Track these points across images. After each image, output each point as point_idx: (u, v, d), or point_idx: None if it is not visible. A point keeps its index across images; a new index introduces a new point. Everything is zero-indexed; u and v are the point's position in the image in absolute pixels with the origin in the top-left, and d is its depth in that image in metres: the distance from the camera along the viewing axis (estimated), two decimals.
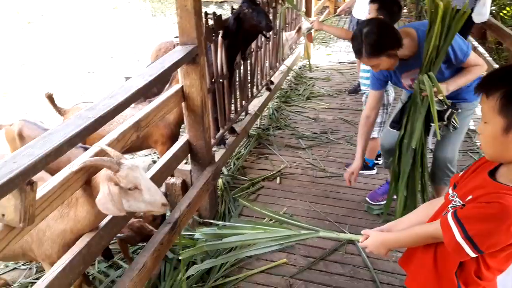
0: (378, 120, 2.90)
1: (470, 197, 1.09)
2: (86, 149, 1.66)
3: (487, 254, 1.09)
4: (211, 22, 2.55)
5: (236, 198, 2.72)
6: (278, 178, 2.99)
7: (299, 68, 5.38)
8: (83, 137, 1.31)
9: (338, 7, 5.93)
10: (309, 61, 4.87)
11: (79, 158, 1.44)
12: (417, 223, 1.29)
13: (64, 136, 1.22)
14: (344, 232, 2.33)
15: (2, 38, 6.28)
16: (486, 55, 4.56)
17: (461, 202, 1.12)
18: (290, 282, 2.08)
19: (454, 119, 1.95)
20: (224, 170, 3.02)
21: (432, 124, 1.96)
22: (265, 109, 4.04)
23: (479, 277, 1.13)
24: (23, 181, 1.06)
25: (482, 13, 3.78)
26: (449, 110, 1.93)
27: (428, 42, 1.87)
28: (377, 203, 2.66)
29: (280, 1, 4.15)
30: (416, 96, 1.99)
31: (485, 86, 1.04)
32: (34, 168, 1.09)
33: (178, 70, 2.20)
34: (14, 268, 2.25)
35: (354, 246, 2.29)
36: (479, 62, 2.02)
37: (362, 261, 2.21)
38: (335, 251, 2.28)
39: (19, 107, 4.38)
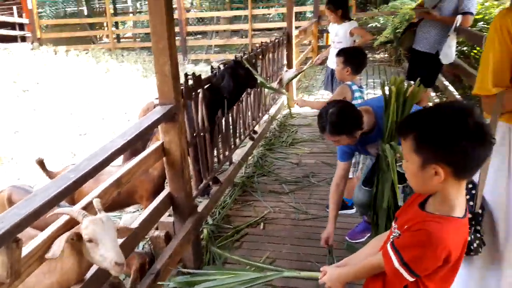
0: (353, 161, 3.08)
1: (405, 227, 1.24)
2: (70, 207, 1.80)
3: (425, 277, 1.21)
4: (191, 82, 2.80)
5: (215, 247, 2.79)
6: (262, 223, 3.10)
7: (283, 117, 5.64)
8: (64, 196, 1.47)
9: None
10: (289, 109, 5.14)
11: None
12: (368, 256, 1.42)
13: (46, 197, 1.37)
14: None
15: None
16: (455, 93, 4.83)
17: (399, 232, 1.26)
18: None
19: None
20: (209, 219, 3.14)
21: (399, 185, 2.10)
22: (250, 157, 4.22)
23: None
24: (9, 239, 1.21)
25: (448, 55, 4.07)
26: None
27: (387, 118, 2.07)
28: (357, 241, 2.77)
29: (260, 57, 4.48)
30: (382, 163, 2.17)
31: (402, 130, 1.22)
32: (19, 226, 1.23)
33: (158, 127, 2.39)
34: None
35: None
36: None
37: None
38: None
39: (14, 174, 4.54)
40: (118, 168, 2.44)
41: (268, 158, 4.29)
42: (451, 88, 5.00)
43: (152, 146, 2.39)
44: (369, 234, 2.82)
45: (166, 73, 2.31)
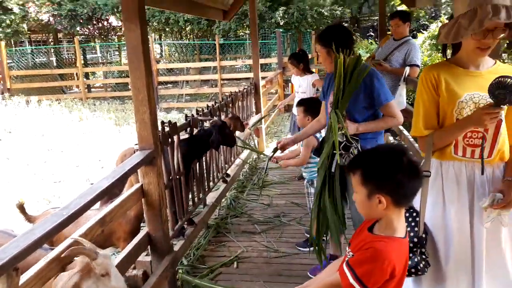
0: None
1: (358, 248, 1.48)
2: (52, 249, 1.91)
3: None
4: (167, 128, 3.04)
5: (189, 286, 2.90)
6: (236, 263, 3.24)
7: (254, 160, 5.91)
8: (58, 231, 1.62)
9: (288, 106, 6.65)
10: (257, 153, 5.40)
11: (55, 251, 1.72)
12: (327, 278, 1.64)
13: (43, 230, 1.53)
14: None
15: None
16: (409, 137, 5.27)
17: (352, 254, 1.50)
18: None
19: (352, 152, 2.32)
20: (184, 260, 3.26)
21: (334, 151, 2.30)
22: (223, 199, 4.40)
23: None
24: (11, 267, 1.35)
25: (400, 102, 4.52)
26: (344, 143, 2.31)
27: (335, 84, 2.32)
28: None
29: (230, 105, 4.80)
30: (328, 132, 2.44)
31: (351, 167, 1.51)
32: (20, 256, 1.38)
33: (138, 171, 2.58)
34: None
35: None
36: (397, 115, 2.42)
37: None
38: None
39: None
40: (97, 212, 2.58)
41: (241, 200, 4.49)
42: (405, 132, 5.44)
43: (132, 188, 2.57)
44: None
45: (146, 121, 2.54)
